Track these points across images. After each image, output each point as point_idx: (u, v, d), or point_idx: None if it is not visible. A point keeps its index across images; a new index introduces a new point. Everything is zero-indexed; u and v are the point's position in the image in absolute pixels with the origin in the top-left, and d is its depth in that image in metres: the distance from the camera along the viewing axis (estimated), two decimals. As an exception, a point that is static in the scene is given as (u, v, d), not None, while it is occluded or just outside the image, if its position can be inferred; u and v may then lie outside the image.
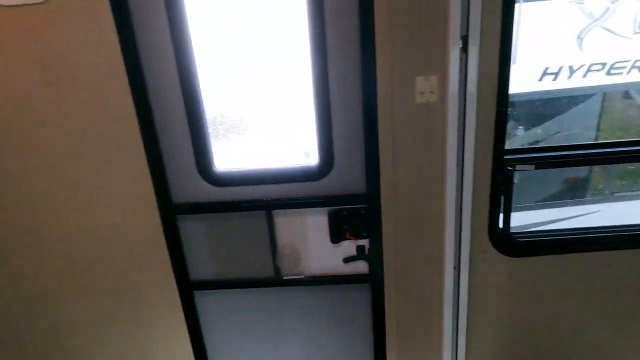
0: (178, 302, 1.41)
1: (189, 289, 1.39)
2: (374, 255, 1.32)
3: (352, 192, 1.27)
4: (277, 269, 1.36)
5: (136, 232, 1.31)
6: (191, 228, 1.32)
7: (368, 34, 1.09)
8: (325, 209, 1.28)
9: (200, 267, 1.37)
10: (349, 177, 1.26)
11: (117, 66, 1.12)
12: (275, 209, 1.29)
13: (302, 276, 1.37)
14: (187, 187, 1.27)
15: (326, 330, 1.47)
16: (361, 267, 1.35)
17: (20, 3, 1.06)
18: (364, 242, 1.31)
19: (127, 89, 1.15)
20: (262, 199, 1.28)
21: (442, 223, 1.26)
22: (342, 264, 1.34)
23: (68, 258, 1.37)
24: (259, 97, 1.27)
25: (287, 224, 1.31)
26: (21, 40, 1.10)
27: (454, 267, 1.30)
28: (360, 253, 1.32)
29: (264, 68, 1.22)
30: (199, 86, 1.17)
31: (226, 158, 1.28)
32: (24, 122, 1.19)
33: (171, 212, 1.28)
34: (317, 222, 1.31)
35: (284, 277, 1.37)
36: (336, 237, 1.29)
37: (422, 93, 1.13)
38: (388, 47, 1.09)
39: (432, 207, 1.26)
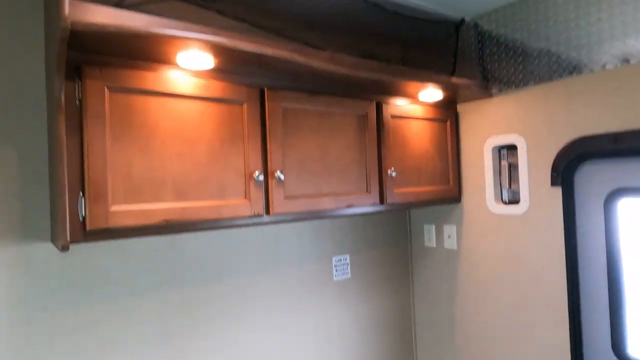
0: None
1: None
2: None
3: None
4: None
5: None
6: (597, 393, 1.58)
7: None
8: None
9: None
10: None
11: (559, 257, 1.65)
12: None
13: None
14: (600, 358, 1.57)
15: None
16: None
17: (506, 214, 1.82)
18: None
19: (563, 272, 1.64)
20: (676, 395, 1.40)
21: None
22: None
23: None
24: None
25: None
26: (501, 233, 1.84)
27: None
28: None
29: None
30: (623, 285, 1.51)
31: (641, 345, 1.51)
32: (491, 281, 1.90)
33: (581, 373, 1.61)
34: None
35: None
36: None
37: None
38: None
39: None
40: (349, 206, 1.55)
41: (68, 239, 1.00)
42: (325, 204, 1.48)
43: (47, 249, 1.26)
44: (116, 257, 1.38)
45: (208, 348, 1.56)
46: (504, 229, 1.82)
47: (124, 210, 1.07)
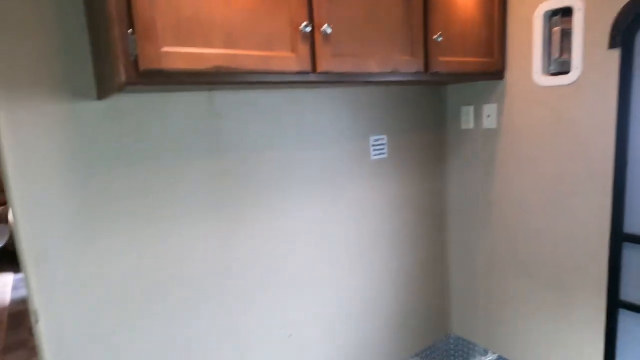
0: (602, 312, 1.74)
1: (616, 305, 1.69)
2: None
3: None
4: None
5: (585, 243, 1.75)
6: (635, 255, 1.62)
7: None
8: None
9: (633, 291, 1.64)
10: None
11: (609, 125, 1.60)
12: None
13: None
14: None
15: None
16: None
17: (553, 85, 1.74)
18: None
19: (611, 140, 1.60)
20: None
21: None
22: None
23: (529, 248, 1.98)
24: None
25: None
26: (547, 106, 1.78)
27: None
28: None
29: None
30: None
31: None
32: (533, 155, 1.87)
33: (620, 238, 1.63)
34: None
35: None
36: None
37: None
38: None
39: None
40: (394, 72, 1.48)
41: (123, 77, 0.98)
42: (371, 65, 1.42)
43: (95, 108, 1.25)
44: (163, 122, 1.37)
45: (251, 218, 1.61)
46: (550, 101, 1.76)
47: (176, 51, 1.03)
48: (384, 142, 1.97)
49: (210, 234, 1.50)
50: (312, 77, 1.31)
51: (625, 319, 1.68)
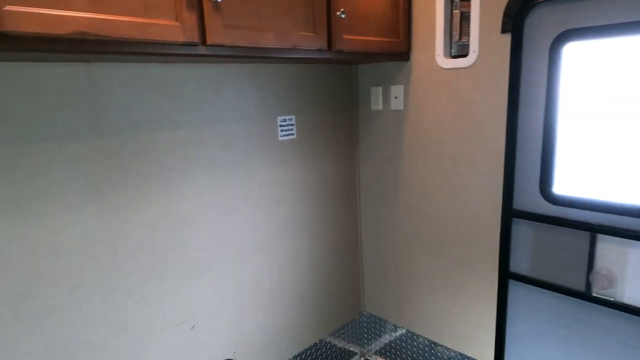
0: (495, 283, 1.86)
1: (506, 276, 1.81)
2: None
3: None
4: (588, 284, 1.59)
5: (481, 221, 1.85)
6: (522, 230, 1.73)
7: None
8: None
9: (520, 263, 1.76)
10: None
11: (502, 107, 1.68)
12: (600, 233, 1.54)
13: (612, 299, 1.55)
14: (527, 199, 1.69)
15: (626, 361, 1.57)
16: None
17: (454, 67, 1.79)
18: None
19: (503, 122, 1.69)
20: (590, 223, 1.55)
21: None
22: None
23: (433, 227, 2.05)
24: (608, 134, 1.55)
25: (609, 248, 1.53)
26: (448, 88, 1.83)
27: None
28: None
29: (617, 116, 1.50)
30: (556, 130, 1.58)
31: (565, 183, 1.63)
32: (436, 137, 1.93)
33: (510, 214, 1.74)
34: (640, 255, 1.47)
35: (593, 294, 1.59)
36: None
37: None
38: None
39: None
40: (294, 47, 1.42)
41: (-49, 40, 0.81)
42: (268, 40, 1.34)
43: None
44: (30, 97, 1.20)
45: (143, 204, 1.48)
46: (451, 84, 1.81)
47: (25, 11, 0.88)
48: (292, 122, 1.92)
49: (90, 222, 1.36)
50: (201, 50, 1.20)
51: (514, 288, 1.81)
